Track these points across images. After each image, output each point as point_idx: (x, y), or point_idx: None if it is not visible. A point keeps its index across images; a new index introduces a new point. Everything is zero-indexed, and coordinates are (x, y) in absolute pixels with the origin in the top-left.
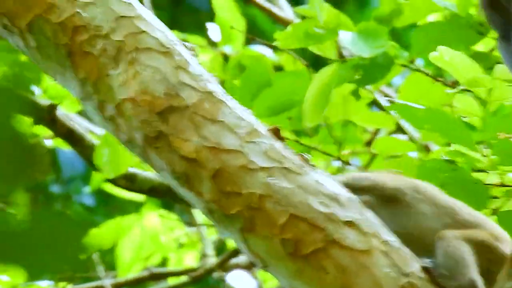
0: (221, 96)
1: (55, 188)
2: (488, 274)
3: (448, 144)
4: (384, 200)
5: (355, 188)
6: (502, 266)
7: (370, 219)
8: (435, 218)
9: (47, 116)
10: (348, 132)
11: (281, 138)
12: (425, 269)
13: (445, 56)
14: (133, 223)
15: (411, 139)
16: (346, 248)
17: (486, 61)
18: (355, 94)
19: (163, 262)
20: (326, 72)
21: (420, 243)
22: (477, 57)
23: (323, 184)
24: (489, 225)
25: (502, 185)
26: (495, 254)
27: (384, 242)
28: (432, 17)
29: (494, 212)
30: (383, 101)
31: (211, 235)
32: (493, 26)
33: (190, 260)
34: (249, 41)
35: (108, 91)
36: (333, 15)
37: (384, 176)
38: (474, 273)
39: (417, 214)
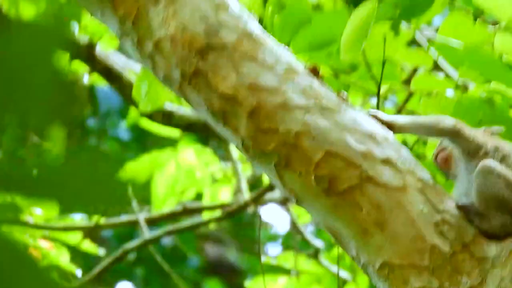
0: (260, 36)
1: (92, 123)
2: None
3: (486, 82)
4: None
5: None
6: None
7: (406, 157)
8: None
9: (86, 53)
10: (386, 69)
11: (319, 76)
12: (460, 207)
13: None
14: (168, 158)
15: (449, 77)
16: (381, 185)
17: None
18: (395, 29)
19: (198, 197)
20: (365, 8)
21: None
22: None
23: (360, 122)
24: None
25: None
26: None
27: (419, 179)
28: None
29: None
30: (423, 40)
31: (246, 170)
32: None
33: (224, 195)
34: None
35: (147, 29)
36: None
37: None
38: (505, 214)
39: None
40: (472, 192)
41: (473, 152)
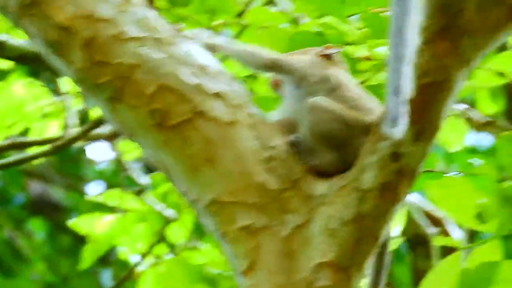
0: None
1: None
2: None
3: (320, 17)
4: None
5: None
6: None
7: (238, 91)
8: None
9: None
10: (220, 2)
11: (154, 8)
12: (290, 143)
13: None
14: None
15: (283, 11)
16: (212, 119)
17: None
18: None
19: (24, 132)
20: None
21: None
22: None
23: (194, 55)
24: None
25: (371, 58)
26: (363, 128)
27: (251, 115)
28: None
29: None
30: None
31: (76, 105)
32: None
33: (53, 130)
34: None
35: None
36: None
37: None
38: (335, 150)
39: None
40: (301, 128)
41: (298, 81)
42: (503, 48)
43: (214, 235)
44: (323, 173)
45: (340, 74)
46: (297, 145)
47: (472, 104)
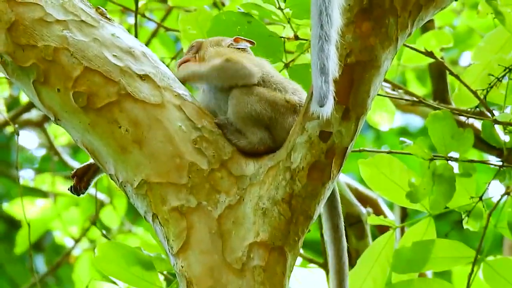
0: None
1: None
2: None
3: None
4: None
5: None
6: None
7: (164, 73)
8: None
9: None
10: None
11: (106, 17)
12: (217, 125)
13: None
14: None
15: None
16: (139, 101)
17: None
18: None
19: None
20: None
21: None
22: None
23: (119, 38)
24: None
25: (297, 38)
26: (288, 107)
27: (178, 96)
28: None
29: (287, 65)
30: None
31: (3, 91)
32: None
33: None
34: None
35: None
36: None
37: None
38: (262, 131)
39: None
40: (228, 110)
41: None
42: (429, 27)
43: (146, 217)
44: (253, 153)
45: (262, 61)
46: (224, 127)
47: (401, 85)
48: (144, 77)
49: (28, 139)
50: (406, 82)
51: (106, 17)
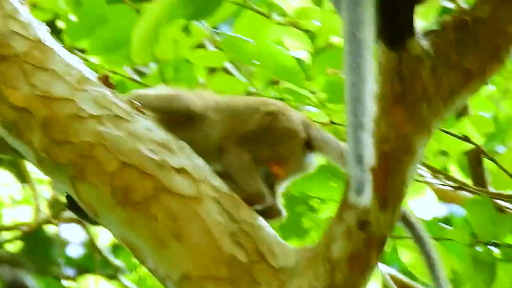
0: (51, 44)
1: None
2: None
3: (277, 82)
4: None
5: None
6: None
7: (200, 165)
8: (219, 121)
9: None
10: (182, 70)
11: (110, 85)
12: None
13: None
14: None
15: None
16: (176, 195)
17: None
18: (187, 29)
19: None
20: (155, 6)
21: (210, 152)
22: None
23: (153, 131)
24: (263, 102)
25: (332, 122)
26: (281, 135)
27: (214, 188)
28: None
29: None
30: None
31: (45, 189)
32: None
33: (24, 215)
34: None
35: None
36: None
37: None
38: (257, 180)
39: (205, 123)
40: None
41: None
42: (464, 112)
43: None
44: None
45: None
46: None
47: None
48: (181, 171)
49: (70, 237)
50: (447, 169)
51: (140, 110)
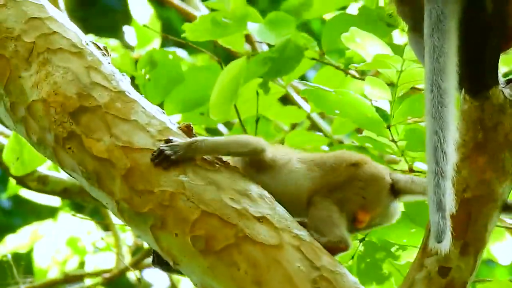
0: (133, 95)
1: None
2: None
3: (359, 132)
4: (257, 167)
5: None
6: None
7: (281, 214)
8: (305, 174)
9: None
10: (261, 126)
11: (192, 136)
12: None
13: (356, 37)
14: (48, 228)
15: (324, 133)
16: (257, 243)
17: (398, 52)
18: (264, 87)
19: (81, 265)
20: (234, 66)
21: (297, 203)
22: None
23: (234, 180)
24: (347, 155)
25: (412, 170)
26: (366, 182)
27: (295, 237)
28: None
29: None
30: (296, 96)
31: (128, 236)
32: (403, 18)
33: (106, 262)
34: (165, 43)
35: (20, 93)
36: (240, 5)
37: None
38: (341, 229)
39: (290, 173)
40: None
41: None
42: None
43: None
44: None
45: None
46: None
47: None
48: (262, 219)
49: (153, 282)
50: None
51: (221, 160)
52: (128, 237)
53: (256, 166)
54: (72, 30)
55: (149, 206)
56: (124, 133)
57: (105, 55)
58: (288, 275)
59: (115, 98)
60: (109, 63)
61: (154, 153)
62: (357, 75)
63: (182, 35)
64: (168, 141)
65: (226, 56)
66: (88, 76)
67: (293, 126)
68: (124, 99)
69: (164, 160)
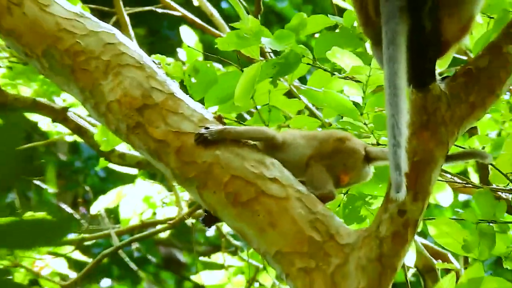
0: (180, 95)
1: (78, 164)
2: (345, 167)
3: (341, 117)
4: (272, 147)
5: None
6: (355, 157)
7: (287, 175)
8: (305, 145)
9: (60, 116)
10: (273, 114)
11: (223, 123)
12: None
13: (337, 53)
14: (130, 189)
15: (317, 117)
16: (271, 196)
17: (365, 58)
18: (274, 84)
19: (153, 215)
20: (252, 68)
21: (300, 166)
22: (359, 55)
23: (253, 153)
24: (334, 132)
25: (378, 144)
26: (347, 153)
27: (297, 191)
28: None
29: None
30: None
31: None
32: (368, 37)
33: (172, 212)
34: (205, 59)
35: (100, 96)
36: (256, 25)
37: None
38: (330, 184)
39: (296, 147)
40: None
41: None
42: (474, 133)
43: (280, 276)
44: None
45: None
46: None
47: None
48: (273, 180)
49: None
50: (467, 171)
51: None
52: (185, 195)
53: (271, 146)
54: (136, 51)
55: (194, 172)
56: (175, 122)
57: (160, 67)
58: (293, 218)
59: (168, 98)
60: (162, 73)
61: (196, 136)
62: (340, 75)
63: (216, 51)
64: (206, 127)
65: (245, 64)
66: (148, 82)
67: (299, 113)
68: (173, 99)
69: (204, 141)
